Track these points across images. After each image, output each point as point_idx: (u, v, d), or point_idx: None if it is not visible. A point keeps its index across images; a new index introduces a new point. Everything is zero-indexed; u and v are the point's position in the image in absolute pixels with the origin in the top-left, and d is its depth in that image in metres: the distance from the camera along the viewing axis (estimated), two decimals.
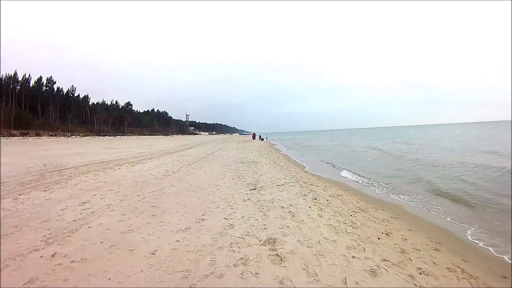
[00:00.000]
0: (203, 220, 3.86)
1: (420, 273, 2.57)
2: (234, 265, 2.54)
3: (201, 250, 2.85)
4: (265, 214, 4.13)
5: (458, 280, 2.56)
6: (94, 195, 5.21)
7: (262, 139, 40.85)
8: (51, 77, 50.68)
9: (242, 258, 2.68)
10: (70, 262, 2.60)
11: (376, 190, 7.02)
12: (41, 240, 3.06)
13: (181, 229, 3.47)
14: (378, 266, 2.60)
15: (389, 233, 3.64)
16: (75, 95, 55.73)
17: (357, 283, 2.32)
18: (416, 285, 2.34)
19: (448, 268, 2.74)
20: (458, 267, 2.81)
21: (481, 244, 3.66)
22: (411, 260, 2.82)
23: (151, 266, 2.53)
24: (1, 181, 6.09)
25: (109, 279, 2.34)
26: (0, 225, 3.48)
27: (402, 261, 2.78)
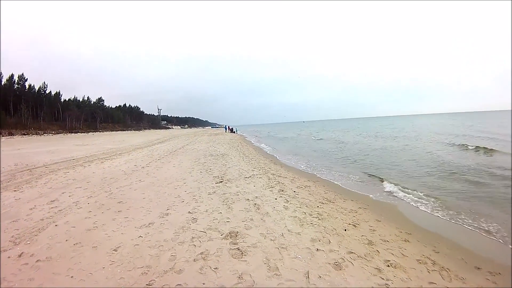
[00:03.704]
0: (167, 214, 4.04)
1: (388, 266, 2.65)
2: (194, 260, 2.69)
3: (162, 246, 3.01)
4: (229, 207, 4.29)
5: (429, 272, 2.64)
6: (63, 193, 5.40)
7: (234, 132, 43.22)
8: (22, 74, 50.68)
9: (202, 252, 2.83)
10: (36, 261, 2.77)
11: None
12: (9, 241, 3.23)
13: (145, 225, 3.65)
14: (343, 259, 2.72)
15: (356, 224, 3.75)
16: (47, 92, 55.87)
17: (320, 277, 2.41)
18: (383, 278, 2.42)
19: (418, 260, 2.83)
20: (429, 258, 2.90)
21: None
22: (379, 252, 2.92)
23: (113, 262, 2.69)
24: None
25: (72, 277, 2.50)
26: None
27: (369, 253, 2.88)
